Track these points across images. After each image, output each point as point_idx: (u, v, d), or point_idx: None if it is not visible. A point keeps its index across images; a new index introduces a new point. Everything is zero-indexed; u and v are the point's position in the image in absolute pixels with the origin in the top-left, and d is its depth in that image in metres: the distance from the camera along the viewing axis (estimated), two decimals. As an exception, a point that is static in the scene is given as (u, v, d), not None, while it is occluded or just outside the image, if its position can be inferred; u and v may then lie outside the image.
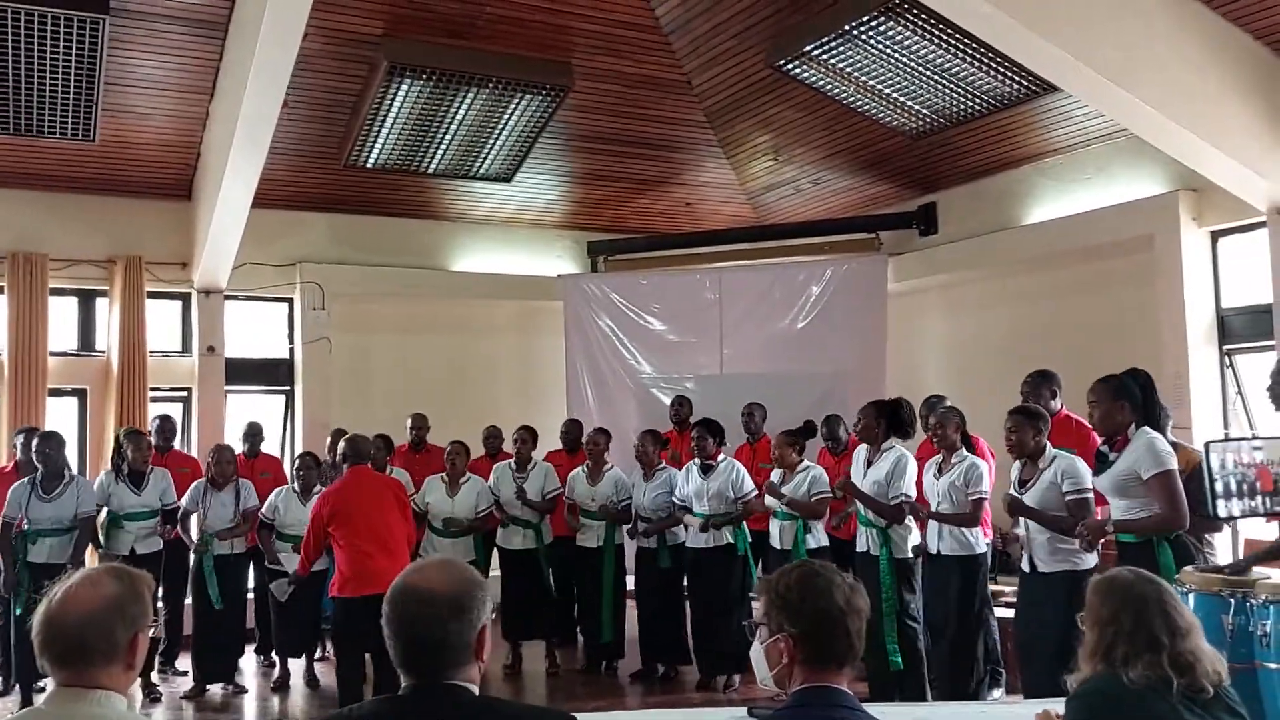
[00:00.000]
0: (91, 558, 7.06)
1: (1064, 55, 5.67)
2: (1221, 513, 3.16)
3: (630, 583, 7.59)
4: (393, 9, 7.24)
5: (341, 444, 6.62)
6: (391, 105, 7.95)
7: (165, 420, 7.94)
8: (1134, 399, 4.79)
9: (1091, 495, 4.92)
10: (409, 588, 2.05)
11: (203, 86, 7.66)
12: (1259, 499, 3.29)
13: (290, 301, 9.56)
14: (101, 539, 7.03)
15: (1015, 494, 5.08)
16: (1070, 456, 5.08)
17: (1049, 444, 5.11)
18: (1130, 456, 4.67)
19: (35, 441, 6.82)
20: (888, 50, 7.16)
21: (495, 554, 7.75)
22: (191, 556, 7.21)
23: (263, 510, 7.21)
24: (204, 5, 6.89)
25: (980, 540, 5.72)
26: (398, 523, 6.16)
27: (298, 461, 7.48)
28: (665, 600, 7.25)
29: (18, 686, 6.67)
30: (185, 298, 9.18)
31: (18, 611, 6.39)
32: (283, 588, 6.67)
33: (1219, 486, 3.20)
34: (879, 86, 7.68)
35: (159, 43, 7.18)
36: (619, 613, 7.48)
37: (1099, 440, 5.01)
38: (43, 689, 6.02)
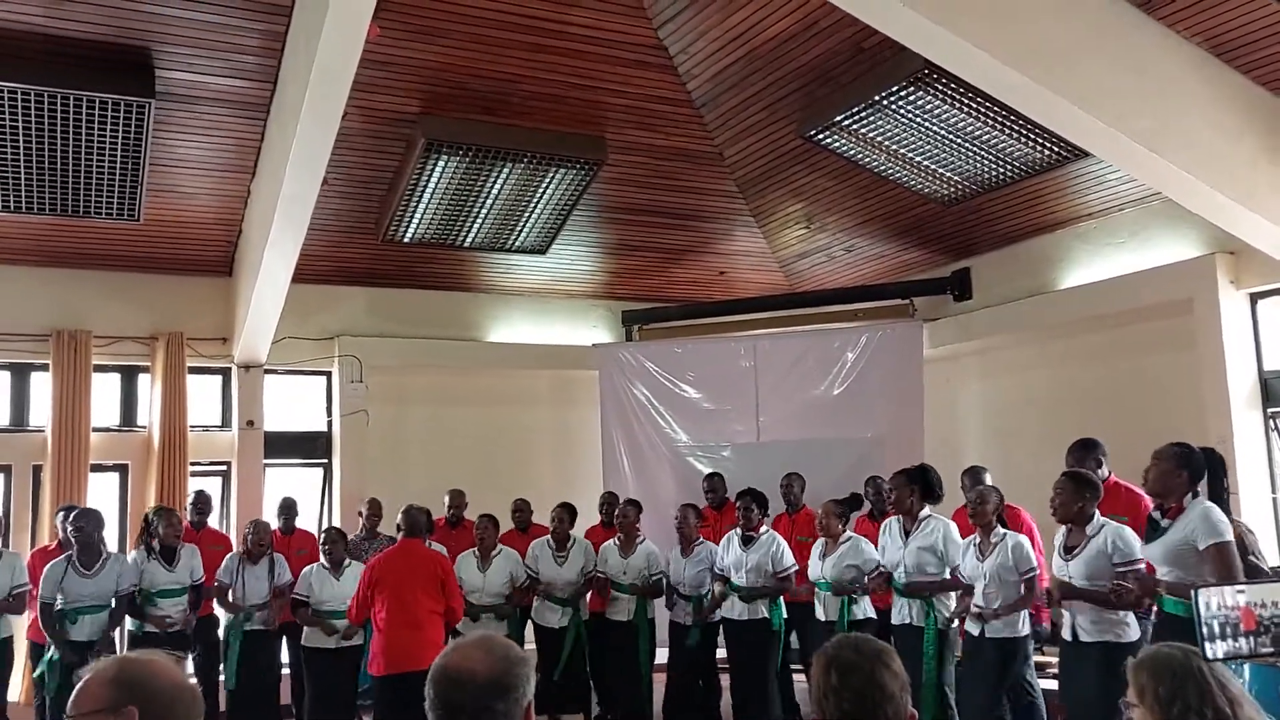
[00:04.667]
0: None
1: (1095, 122, 5.64)
2: (1208, 654, 3.22)
3: (660, 655, 7.49)
4: (430, 88, 7.37)
5: (399, 516, 6.63)
6: (428, 181, 8.07)
7: (201, 495, 7.93)
8: (1196, 471, 4.69)
9: (1143, 566, 4.80)
10: (448, 669, 1.97)
11: (244, 166, 7.83)
12: (1242, 640, 3.36)
13: (329, 375, 9.65)
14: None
15: (1062, 576, 4.98)
16: (1120, 526, 4.99)
17: (1097, 512, 5.02)
18: (1185, 526, 4.58)
19: (70, 518, 6.86)
20: (918, 119, 7.19)
21: (530, 627, 7.66)
22: (221, 631, 7.21)
23: (296, 588, 7.10)
24: (246, 88, 7.05)
25: (1025, 622, 5.53)
26: (429, 599, 6.16)
27: (323, 536, 7.39)
28: (698, 674, 7.14)
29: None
30: (225, 372, 9.29)
31: (50, 693, 6.36)
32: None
33: (1205, 630, 3.28)
34: (910, 154, 7.71)
35: (203, 124, 7.35)
36: (651, 687, 7.37)
37: (1151, 506, 4.92)
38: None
